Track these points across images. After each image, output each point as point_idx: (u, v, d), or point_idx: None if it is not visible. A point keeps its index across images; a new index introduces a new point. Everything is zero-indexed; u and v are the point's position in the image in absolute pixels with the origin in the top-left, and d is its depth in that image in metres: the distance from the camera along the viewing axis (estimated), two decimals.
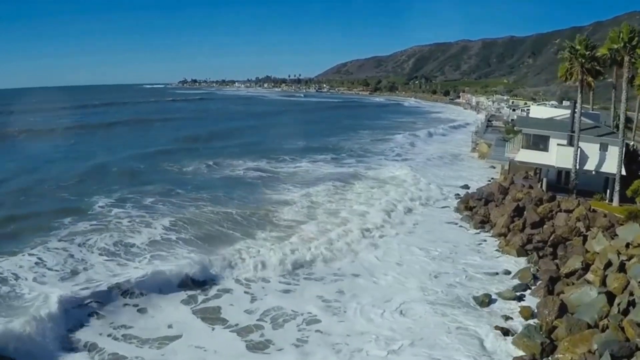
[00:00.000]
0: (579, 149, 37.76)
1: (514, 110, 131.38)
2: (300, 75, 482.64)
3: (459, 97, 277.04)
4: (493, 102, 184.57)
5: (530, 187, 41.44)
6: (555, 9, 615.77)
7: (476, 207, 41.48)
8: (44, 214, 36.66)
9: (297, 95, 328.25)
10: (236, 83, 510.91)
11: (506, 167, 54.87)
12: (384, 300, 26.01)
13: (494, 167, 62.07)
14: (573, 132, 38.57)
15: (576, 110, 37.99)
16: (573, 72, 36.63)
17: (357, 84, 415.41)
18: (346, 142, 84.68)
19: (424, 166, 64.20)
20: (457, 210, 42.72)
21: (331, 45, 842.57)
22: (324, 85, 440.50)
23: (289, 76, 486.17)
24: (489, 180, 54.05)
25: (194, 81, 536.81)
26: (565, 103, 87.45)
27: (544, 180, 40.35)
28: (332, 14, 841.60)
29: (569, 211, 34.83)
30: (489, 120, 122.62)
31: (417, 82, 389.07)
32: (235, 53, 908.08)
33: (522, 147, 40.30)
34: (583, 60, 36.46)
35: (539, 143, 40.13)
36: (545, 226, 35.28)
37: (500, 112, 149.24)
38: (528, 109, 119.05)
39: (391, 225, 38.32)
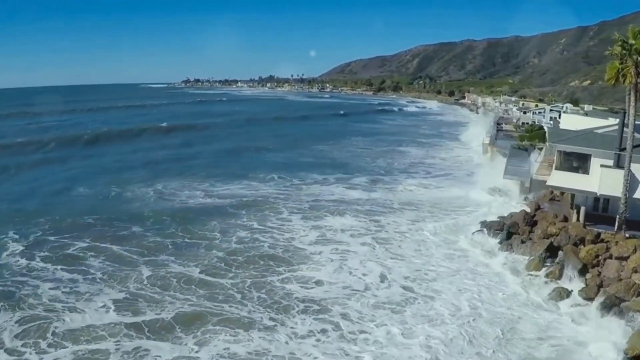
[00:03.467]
0: (630, 172, 29.15)
1: (524, 112, 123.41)
2: (303, 74, 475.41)
3: (464, 97, 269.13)
4: (500, 103, 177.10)
5: (565, 218, 32.88)
6: (560, 9, 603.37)
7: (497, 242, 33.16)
8: None
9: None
10: (239, 82, 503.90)
11: (527, 185, 46.36)
12: None
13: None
14: (622, 149, 30.05)
15: (627, 122, 29.41)
16: (626, 73, 28.06)
17: (361, 83, 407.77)
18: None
19: None
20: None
21: (335, 44, 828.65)
22: (327, 85, 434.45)
23: (292, 76, 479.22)
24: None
25: (197, 80, 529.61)
26: (588, 107, 78.61)
27: (582, 209, 31.78)
28: (335, 13, 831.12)
29: (622, 258, 26.36)
30: (498, 124, 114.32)
31: (421, 82, 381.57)
32: (237, 52, 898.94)
33: (556, 168, 31.70)
34: (639, 58, 27.94)
35: (577, 163, 31.60)
36: (588, 276, 26.91)
37: (509, 114, 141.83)
38: (540, 112, 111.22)
39: None
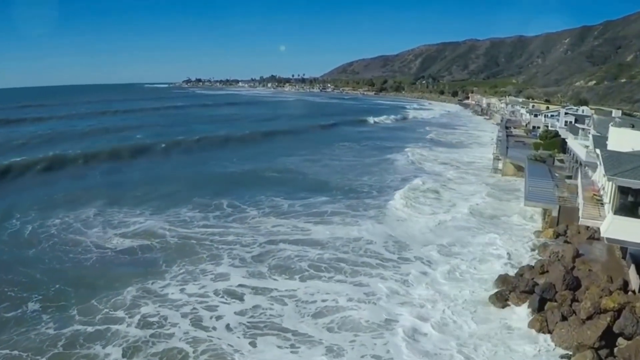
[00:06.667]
0: None
1: (535, 115, 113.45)
2: (304, 74, 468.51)
3: (467, 97, 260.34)
4: (506, 104, 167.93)
5: (625, 284, 22.91)
6: (564, 8, 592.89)
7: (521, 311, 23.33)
8: None
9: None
10: (240, 82, 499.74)
11: (554, 214, 36.47)
12: None
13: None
14: None
15: None
16: None
17: (363, 83, 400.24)
18: None
19: None
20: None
21: (337, 44, 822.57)
22: (329, 85, 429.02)
23: (293, 75, 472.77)
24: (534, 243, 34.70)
25: (198, 80, 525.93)
26: (616, 113, 67.92)
27: None
28: (338, 12, 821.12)
29: None
30: (506, 128, 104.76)
31: (424, 82, 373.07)
32: (238, 52, 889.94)
33: (615, 212, 21.78)
34: None
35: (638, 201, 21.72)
36: None
37: (515, 116, 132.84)
38: (554, 115, 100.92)
39: None
